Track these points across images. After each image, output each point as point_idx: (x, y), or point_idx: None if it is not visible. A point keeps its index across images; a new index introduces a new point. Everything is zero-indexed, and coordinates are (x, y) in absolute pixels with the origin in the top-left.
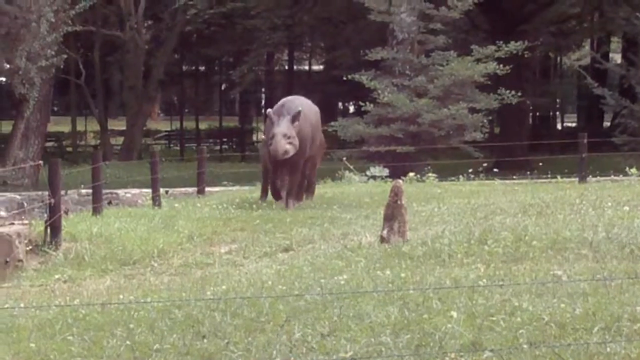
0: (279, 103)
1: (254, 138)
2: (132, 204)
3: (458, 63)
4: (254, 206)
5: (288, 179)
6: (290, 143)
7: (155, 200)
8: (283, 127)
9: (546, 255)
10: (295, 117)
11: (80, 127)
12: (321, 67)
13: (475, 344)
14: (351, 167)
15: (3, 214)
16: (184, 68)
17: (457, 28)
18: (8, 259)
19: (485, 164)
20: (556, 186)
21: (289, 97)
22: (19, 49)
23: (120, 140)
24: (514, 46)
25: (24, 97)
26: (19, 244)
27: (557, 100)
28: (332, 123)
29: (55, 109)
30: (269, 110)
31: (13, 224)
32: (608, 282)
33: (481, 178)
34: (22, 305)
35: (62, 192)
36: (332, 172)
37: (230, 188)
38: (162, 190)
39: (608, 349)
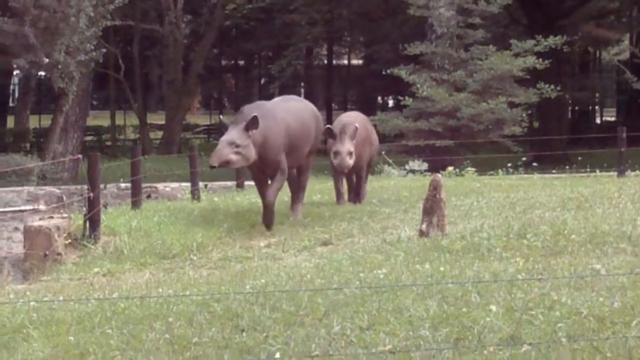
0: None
1: None
2: (171, 198)
3: (497, 57)
4: None
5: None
6: (237, 153)
7: (195, 194)
8: (231, 134)
9: (585, 249)
10: (250, 125)
11: (119, 121)
12: (360, 61)
13: (514, 337)
14: (390, 161)
15: (42, 207)
16: (223, 62)
17: (496, 22)
18: (47, 253)
19: (524, 158)
20: (595, 180)
21: (266, 102)
22: (58, 43)
23: (160, 134)
24: (553, 40)
25: (63, 92)
26: (58, 237)
27: (596, 95)
28: (372, 117)
29: (95, 103)
30: (222, 116)
31: (52, 217)
32: None
33: (520, 172)
34: (61, 298)
35: (101, 186)
36: (371, 166)
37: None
38: (201, 184)
39: None
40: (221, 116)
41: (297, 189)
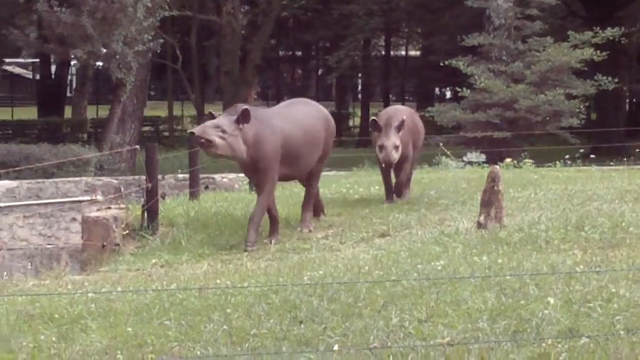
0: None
1: (350, 123)
2: (228, 189)
3: (554, 49)
4: (351, 191)
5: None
6: (222, 138)
7: (252, 185)
8: (219, 120)
9: None
10: (241, 118)
11: (176, 112)
12: (418, 52)
13: (572, 330)
14: (448, 152)
15: (100, 198)
16: (281, 53)
17: (553, 14)
18: (105, 243)
19: (581, 150)
20: None
21: (264, 108)
22: (115, 33)
23: None
24: (611, 32)
25: (120, 82)
26: (116, 228)
27: None
28: (429, 109)
29: (152, 93)
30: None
31: (110, 208)
32: None
33: (578, 164)
34: (119, 289)
35: (159, 177)
36: (429, 158)
37: (326, 173)
38: None
39: None
40: (211, 111)
41: (306, 197)
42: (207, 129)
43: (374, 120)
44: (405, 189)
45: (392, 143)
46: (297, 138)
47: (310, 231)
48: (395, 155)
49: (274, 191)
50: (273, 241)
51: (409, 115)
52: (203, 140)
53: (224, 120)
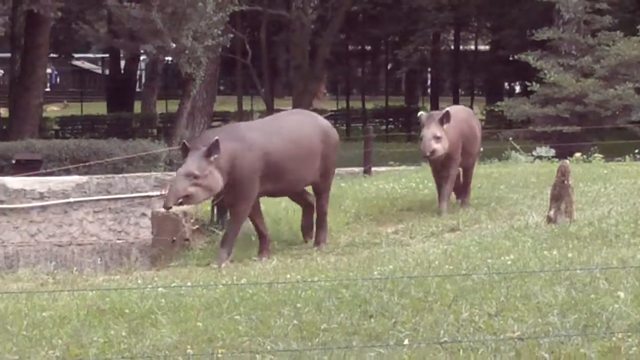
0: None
1: None
2: None
3: (624, 43)
4: (421, 186)
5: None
6: (196, 185)
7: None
8: (188, 164)
9: None
10: (212, 150)
11: (246, 107)
12: (487, 47)
13: None
14: (517, 147)
15: None
16: (350, 48)
17: (623, 8)
18: (175, 238)
19: None
20: None
21: (243, 122)
22: (185, 28)
23: None
24: None
25: (190, 77)
26: (185, 223)
27: None
28: (499, 103)
29: (222, 88)
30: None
31: (180, 203)
32: None
33: None
34: (189, 284)
35: None
36: (498, 152)
37: (396, 168)
38: None
39: None
40: (184, 141)
41: (318, 217)
42: (178, 188)
43: (419, 116)
44: (452, 193)
45: (432, 133)
46: (281, 151)
47: (321, 251)
48: (436, 146)
49: (248, 212)
50: (264, 259)
51: (465, 118)
52: (181, 201)
53: (194, 162)
